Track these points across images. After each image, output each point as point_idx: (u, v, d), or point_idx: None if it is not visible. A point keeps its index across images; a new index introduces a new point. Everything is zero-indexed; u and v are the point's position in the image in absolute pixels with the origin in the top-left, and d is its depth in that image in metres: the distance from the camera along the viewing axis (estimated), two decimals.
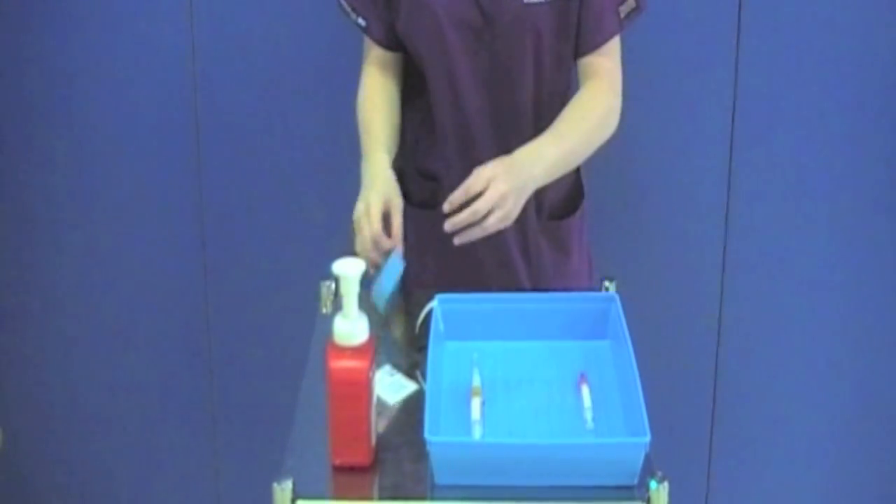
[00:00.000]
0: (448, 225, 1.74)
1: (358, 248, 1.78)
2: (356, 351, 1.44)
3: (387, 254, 1.75)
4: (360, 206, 1.79)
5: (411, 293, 1.82)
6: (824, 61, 2.32)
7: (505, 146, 1.88)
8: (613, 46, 1.95)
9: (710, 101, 2.35)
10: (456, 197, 1.74)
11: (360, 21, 1.96)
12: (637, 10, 1.95)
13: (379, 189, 1.80)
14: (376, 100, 1.96)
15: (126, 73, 2.37)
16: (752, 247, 2.44)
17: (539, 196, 1.96)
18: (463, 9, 1.87)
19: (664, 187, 2.41)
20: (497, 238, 1.98)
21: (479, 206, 1.72)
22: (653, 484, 1.40)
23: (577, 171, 2.09)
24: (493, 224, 1.73)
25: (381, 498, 1.43)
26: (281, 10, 2.32)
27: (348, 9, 1.97)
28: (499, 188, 1.73)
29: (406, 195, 2.05)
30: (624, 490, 1.41)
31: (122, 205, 2.45)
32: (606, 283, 1.83)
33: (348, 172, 2.38)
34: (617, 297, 1.68)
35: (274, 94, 2.37)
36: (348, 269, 1.44)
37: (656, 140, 2.37)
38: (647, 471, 1.41)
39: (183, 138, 2.40)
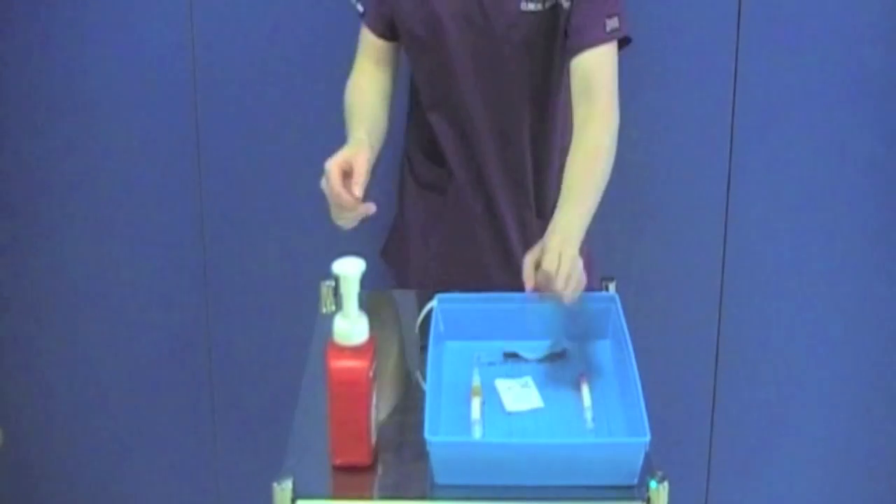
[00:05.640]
0: (528, 286, 1.66)
1: (332, 215, 1.72)
2: (356, 351, 1.44)
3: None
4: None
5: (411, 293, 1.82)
6: (824, 61, 2.32)
7: (500, 128, 1.91)
8: (605, 59, 1.86)
9: (710, 101, 2.35)
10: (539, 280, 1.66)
11: (359, 7, 1.97)
12: (619, 30, 1.86)
13: (341, 153, 1.72)
14: (364, 86, 1.96)
15: (126, 73, 2.37)
16: (752, 247, 2.43)
17: (540, 197, 2.00)
18: (466, 6, 1.88)
19: (664, 187, 2.41)
20: (500, 231, 2.00)
21: (559, 277, 1.63)
22: (653, 484, 1.40)
23: None
24: (570, 293, 1.64)
25: (381, 498, 1.44)
26: (281, 10, 2.32)
27: None
28: (570, 256, 1.66)
29: (415, 177, 2.06)
30: (624, 490, 1.41)
31: (122, 204, 2.45)
32: (606, 283, 1.83)
33: None
34: (617, 297, 1.68)
35: (274, 93, 2.37)
36: (348, 269, 1.44)
37: (656, 140, 2.37)
38: (647, 471, 1.41)
39: (183, 138, 2.39)
